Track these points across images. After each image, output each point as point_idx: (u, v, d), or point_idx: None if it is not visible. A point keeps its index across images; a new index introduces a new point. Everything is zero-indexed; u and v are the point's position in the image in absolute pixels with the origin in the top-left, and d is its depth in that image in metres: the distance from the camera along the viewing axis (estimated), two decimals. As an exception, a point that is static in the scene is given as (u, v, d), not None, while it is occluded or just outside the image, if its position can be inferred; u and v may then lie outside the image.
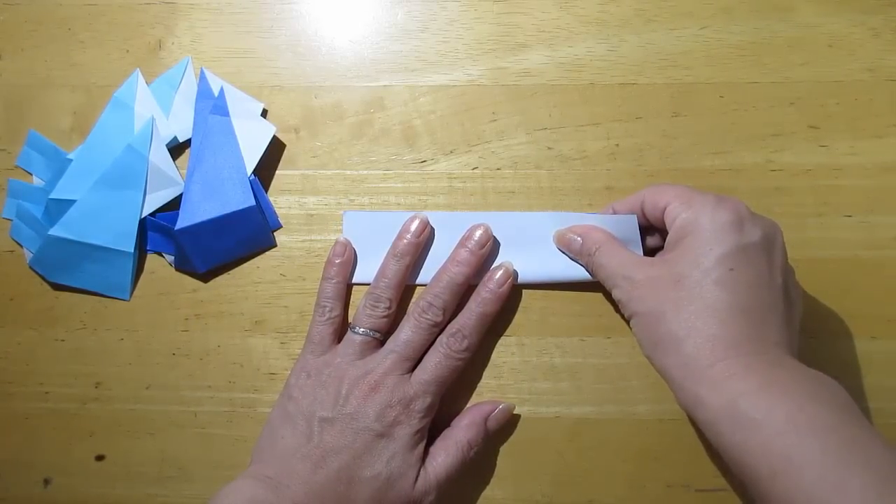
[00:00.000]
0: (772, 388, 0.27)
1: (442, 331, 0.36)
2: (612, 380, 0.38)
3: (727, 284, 0.30)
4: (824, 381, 0.28)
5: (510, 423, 0.37)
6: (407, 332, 0.35)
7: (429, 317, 0.35)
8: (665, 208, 0.33)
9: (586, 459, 0.38)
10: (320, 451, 0.33)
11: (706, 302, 0.30)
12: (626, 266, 0.33)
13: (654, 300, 0.31)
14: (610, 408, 0.38)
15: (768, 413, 0.27)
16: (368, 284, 0.37)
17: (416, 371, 0.35)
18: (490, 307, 0.36)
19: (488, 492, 0.38)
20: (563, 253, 0.38)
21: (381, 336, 0.36)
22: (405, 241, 0.37)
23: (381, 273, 0.37)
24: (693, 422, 0.29)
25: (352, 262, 0.38)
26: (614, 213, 0.36)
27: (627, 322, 0.33)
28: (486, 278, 0.37)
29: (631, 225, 0.37)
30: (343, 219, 0.39)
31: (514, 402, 0.38)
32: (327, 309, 0.37)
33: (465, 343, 0.35)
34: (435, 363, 0.35)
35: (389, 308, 0.36)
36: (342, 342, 0.36)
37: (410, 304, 0.37)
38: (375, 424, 0.33)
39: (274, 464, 0.33)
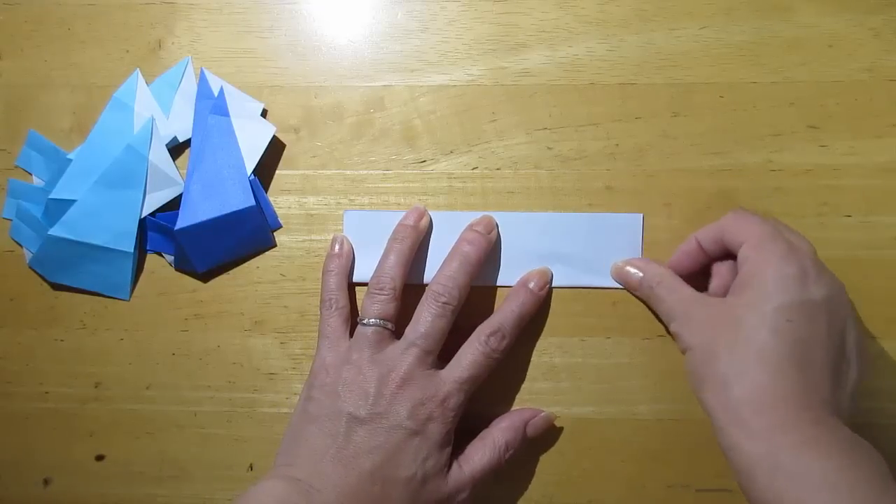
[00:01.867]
0: (814, 445, 0.27)
1: (453, 314, 0.35)
2: (612, 380, 0.38)
3: (783, 335, 0.30)
4: (866, 447, 0.29)
5: (549, 431, 0.37)
6: (425, 321, 0.34)
7: (445, 299, 0.35)
8: (740, 246, 0.33)
9: (586, 459, 0.38)
10: (351, 451, 0.32)
11: (760, 349, 0.30)
12: (686, 302, 0.34)
13: (710, 338, 0.31)
14: (610, 408, 0.38)
15: (807, 470, 0.27)
16: (365, 283, 0.37)
17: (450, 367, 0.35)
18: (529, 308, 0.36)
19: (488, 492, 0.38)
20: (564, 257, 0.38)
21: (392, 325, 0.35)
22: (403, 225, 0.37)
23: (383, 258, 0.36)
24: (729, 465, 0.29)
25: (350, 255, 0.38)
26: (698, 243, 0.36)
27: (682, 353, 0.33)
28: (524, 279, 0.37)
29: (634, 225, 0.38)
30: (343, 218, 0.39)
31: (515, 402, 0.38)
32: (333, 301, 0.36)
33: (505, 343, 0.35)
34: (471, 361, 0.35)
35: (395, 291, 0.35)
36: (354, 337, 0.35)
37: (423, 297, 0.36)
38: (408, 422, 0.33)
39: (302, 466, 0.32)
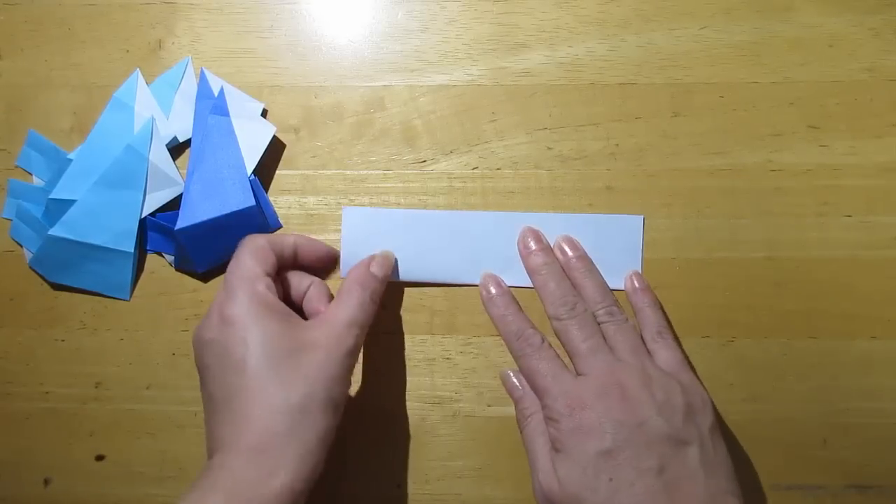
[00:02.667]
0: None
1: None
2: (612, 380, 0.38)
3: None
4: None
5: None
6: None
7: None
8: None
9: (586, 459, 0.37)
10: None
11: None
12: (537, 468, 0.34)
13: None
14: (610, 408, 0.38)
15: None
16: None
17: None
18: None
19: (488, 492, 0.38)
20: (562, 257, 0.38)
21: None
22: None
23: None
24: None
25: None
26: None
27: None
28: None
29: (635, 227, 0.38)
30: (342, 215, 0.39)
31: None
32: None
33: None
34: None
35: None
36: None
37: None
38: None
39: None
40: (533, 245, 0.37)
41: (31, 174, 0.41)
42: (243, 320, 0.31)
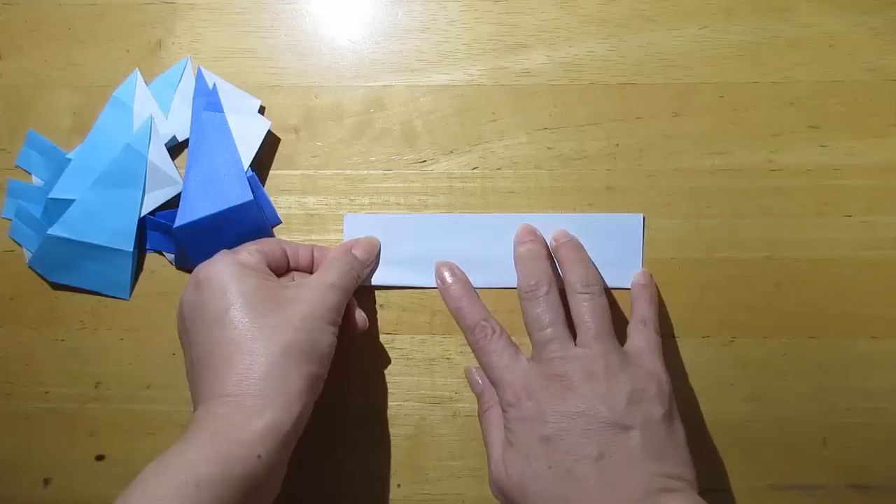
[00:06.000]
0: None
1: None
2: (612, 380, 0.38)
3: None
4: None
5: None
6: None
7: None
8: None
9: (586, 459, 0.37)
10: None
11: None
12: (491, 459, 0.34)
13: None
14: (610, 408, 0.38)
15: None
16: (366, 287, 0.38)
17: None
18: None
19: (488, 492, 0.38)
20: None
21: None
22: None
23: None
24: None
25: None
26: None
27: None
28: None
29: (635, 225, 0.38)
30: (344, 221, 0.39)
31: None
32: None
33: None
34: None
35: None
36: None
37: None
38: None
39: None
40: (526, 238, 0.37)
41: (30, 174, 0.41)
42: (221, 277, 0.32)
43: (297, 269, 0.37)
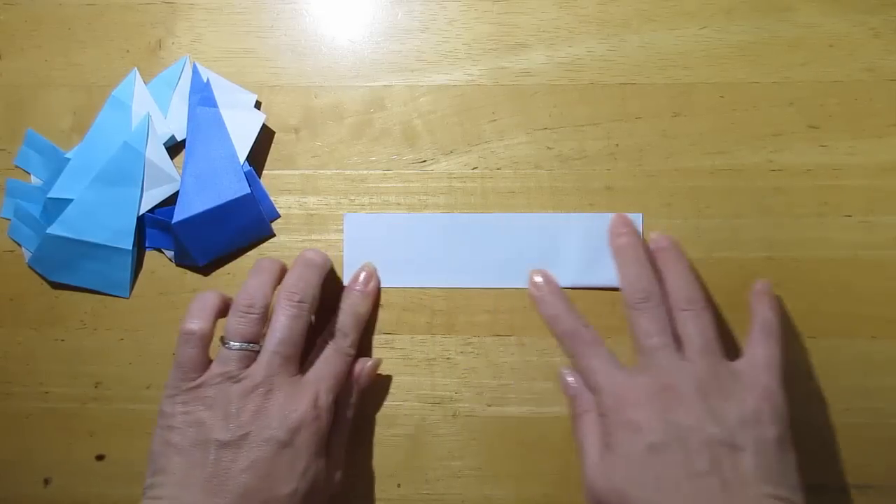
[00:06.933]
0: None
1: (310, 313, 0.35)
2: (612, 380, 0.38)
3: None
4: None
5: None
6: (282, 325, 0.33)
7: (299, 297, 0.34)
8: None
9: (586, 459, 0.37)
10: (219, 479, 0.31)
11: None
12: (587, 462, 0.34)
13: None
14: (610, 408, 0.38)
15: None
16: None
17: (309, 371, 0.34)
18: (361, 306, 0.37)
19: (488, 492, 0.38)
20: (564, 257, 0.38)
21: (258, 347, 0.33)
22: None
23: (253, 275, 0.35)
24: None
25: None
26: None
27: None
28: (352, 280, 0.38)
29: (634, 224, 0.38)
30: (344, 221, 0.39)
31: (514, 402, 0.38)
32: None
33: (349, 339, 0.36)
34: (325, 358, 0.35)
35: (264, 310, 0.34)
36: (218, 359, 0.33)
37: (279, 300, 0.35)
38: (279, 433, 0.32)
39: (171, 500, 0.31)
40: (622, 229, 0.37)
41: (29, 174, 0.41)
42: (310, 449, 0.33)
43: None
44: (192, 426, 0.32)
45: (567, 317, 0.36)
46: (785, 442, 0.31)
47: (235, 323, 0.33)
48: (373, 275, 0.38)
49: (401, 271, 0.39)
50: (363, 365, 0.37)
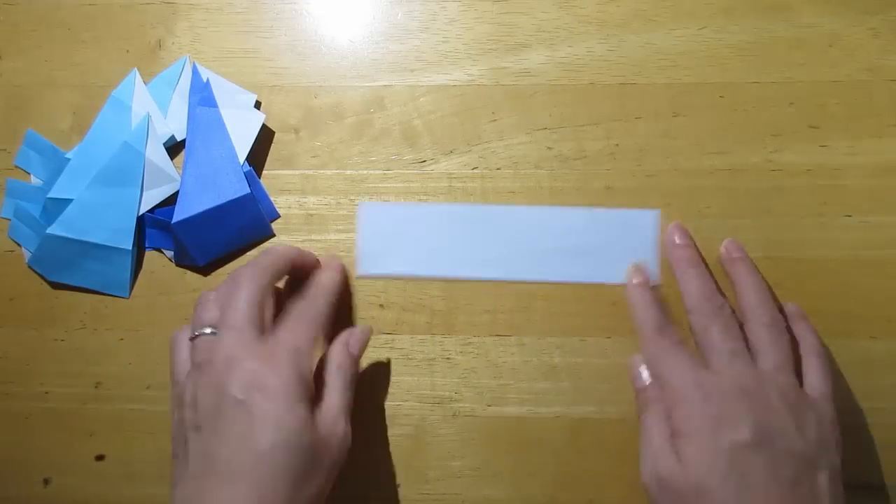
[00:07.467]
0: None
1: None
2: (612, 380, 0.38)
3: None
4: None
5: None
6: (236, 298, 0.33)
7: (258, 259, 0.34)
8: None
9: (586, 459, 0.37)
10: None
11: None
12: (656, 454, 0.33)
13: None
14: (610, 408, 0.38)
15: None
16: (379, 277, 0.38)
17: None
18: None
19: (488, 492, 0.38)
20: (577, 252, 0.38)
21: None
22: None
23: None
24: None
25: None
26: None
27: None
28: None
29: (650, 222, 0.37)
30: (358, 210, 0.39)
31: (514, 402, 0.38)
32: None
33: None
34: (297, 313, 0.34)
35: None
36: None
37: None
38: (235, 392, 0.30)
39: None
40: (678, 240, 0.37)
41: (29, 174, 0.41)
42: (279, 404, 0.30)
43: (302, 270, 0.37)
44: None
45: (657, 314, 0.35)
46: (840, 475, 0.31)
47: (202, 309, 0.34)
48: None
49: (414, 261, 0.38)
50: (352, 333, 0.36)
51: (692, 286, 0.35)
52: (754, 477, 0.30)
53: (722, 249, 0.37)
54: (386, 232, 0.39)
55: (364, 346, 0.36)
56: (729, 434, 0.31)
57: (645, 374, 0.36)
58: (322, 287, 0.35)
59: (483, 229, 0.38)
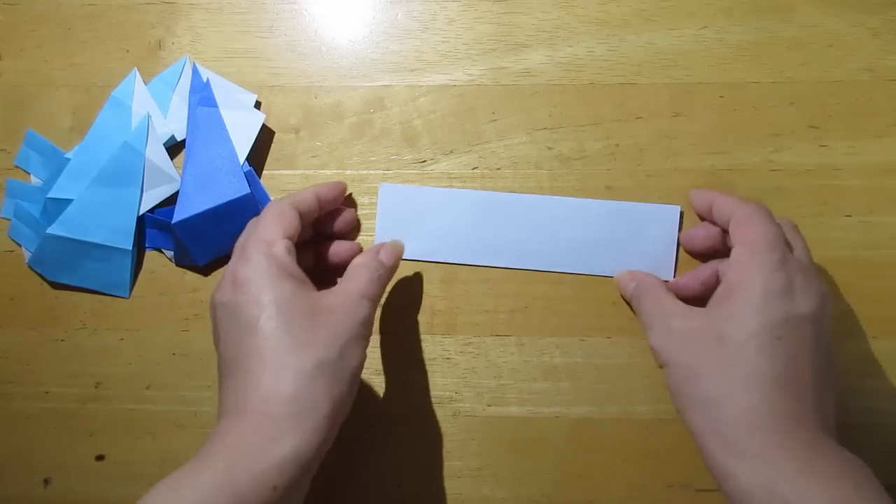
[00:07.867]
0: (814, 472, 0.27)
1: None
2: (612, 380, 0.38)
3: (772, 354, 0.29)
4: (862, 468, 0.27)
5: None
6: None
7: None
8: (736, 246, 0.32)
9: (586, 459, 0.38)
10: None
11: (748, 369, 0.29)
12: (667, 314, 0.32)
13: (692, 354, 0.30)
14: (610, 408, 0.38)
15: (810, 500, 0.26)
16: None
17: None
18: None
19: (488, 492, 0.38)
20: (596, 244, 0.38)
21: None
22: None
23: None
24: (721, 491, 0.29)
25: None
26: (710, 210, 0.35)
27: (660, 367, 0.32)
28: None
29: (671, 217, 0.37)
30: (379, 191, 0.39)
31: (514, 402, 0.38)
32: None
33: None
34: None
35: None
36: None
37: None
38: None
39: None
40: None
41: (29, 174, 0.41)
42: (258, 281, 0.30)
43: (311, 223, 0.36)
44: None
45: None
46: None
47: None
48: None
49: (433, 245, 0.38)
50: (382, 244, 0.36)
51: (727, 198, 0.35)
52: (788, 344, 0.29)
53: (691, 197, 0.37)
54: (405, 214, 0.39)
55: (395, 257, 0.35)
56: (777, 293, 0.30)
57: (632, 284, 0.36)
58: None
59: (503, 216, 0.38)
